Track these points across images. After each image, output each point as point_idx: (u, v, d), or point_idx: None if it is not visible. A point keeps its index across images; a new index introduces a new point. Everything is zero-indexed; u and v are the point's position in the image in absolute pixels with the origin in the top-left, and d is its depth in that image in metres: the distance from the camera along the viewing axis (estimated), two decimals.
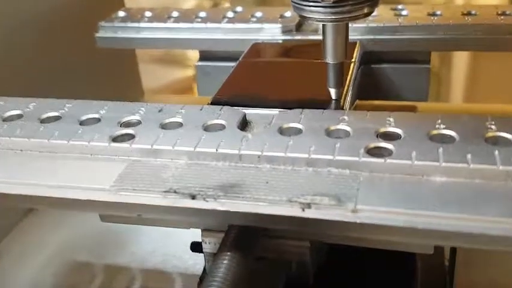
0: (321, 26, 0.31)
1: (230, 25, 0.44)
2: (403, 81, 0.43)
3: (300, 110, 0.30)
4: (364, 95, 0.40)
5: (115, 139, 0.28)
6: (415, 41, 0.41)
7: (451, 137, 0.27)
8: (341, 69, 0.32)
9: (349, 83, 0.34)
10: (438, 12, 0.42)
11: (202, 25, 0.45)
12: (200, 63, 0.46)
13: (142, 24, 0.46)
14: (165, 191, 0.25)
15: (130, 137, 0.28)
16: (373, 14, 0.42)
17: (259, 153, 0.26)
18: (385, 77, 0.43)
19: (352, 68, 0.36)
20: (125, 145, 0.28)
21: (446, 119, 0.28)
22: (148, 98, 0.56)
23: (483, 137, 0.26)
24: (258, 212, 0.24)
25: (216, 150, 0.27)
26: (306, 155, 0.26)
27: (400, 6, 0.44)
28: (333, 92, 0.32)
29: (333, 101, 0.32)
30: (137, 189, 0.25)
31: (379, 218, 0.23)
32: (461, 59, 0.46)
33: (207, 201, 0.24)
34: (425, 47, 0.42)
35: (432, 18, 0.42)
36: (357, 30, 0.41)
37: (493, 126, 0.27)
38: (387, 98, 0.43)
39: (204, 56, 0.46)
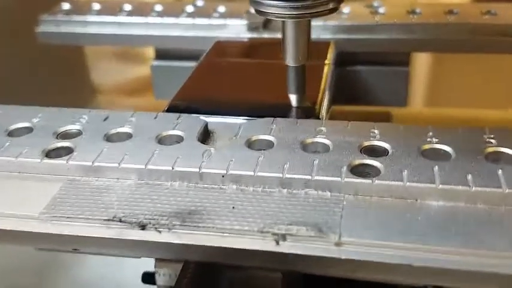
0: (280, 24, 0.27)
1: (190, 20, 0.39)
2: (380, 84, 0.39)
3: (271, 118, 0.26)
4: (338, 99, 0.36)
5: (49, 154, 0.24)
6: (393, 41, 0.38)
7: (445, 152, 0.23)
8: (303, 73, 0.28)
9: (325, 87, 0.30)
10: (418, 10, 0.39)
11: (158, 20, 0.40)
12: (156, 63, 0.41)
13: (89, 18, 0.41)
14: (108, 219, 0.20)
15: (68, 151, 0.24)
16: (347, 11, 0.39)
17: (224, 171, 0.22)
18: (360, 80, 0.39)
19: (327, 71, 0.32)
20: (60, 161, 0.23)
21: (439, 131, 0.24)
22: (99, 99, 0.51)
23: (482, 153, 0.23)
24: (223, 246, 0.19)
25: (172, 167, 0.22)
26: (280, 174, 0.22)
27: (376, 4, 0.40)
28: (293, 98, 0.28)
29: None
30: (73, 216, 0.21)
31: (368, 253, 0.19)
32: (422, 60, 0.42)
33: (159, 232, 0.20)
34: (404, 48, 0.38)
35: (411, 16, 0.38)
36: (329, 29, 0.38)
37: (492, 140, 0.23)
38: (363, 103, 0.39)
39: (161, 55, 0.42)
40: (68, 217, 0.21)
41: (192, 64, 0.40)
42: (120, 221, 0.20)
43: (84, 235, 0.20)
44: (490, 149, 0.23)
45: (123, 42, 0.41)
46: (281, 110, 0.27)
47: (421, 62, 0.38)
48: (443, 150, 0.23)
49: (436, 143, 0.23)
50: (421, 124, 0.37)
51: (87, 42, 0.43)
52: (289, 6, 0.25)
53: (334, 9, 0.26)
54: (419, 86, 0.37)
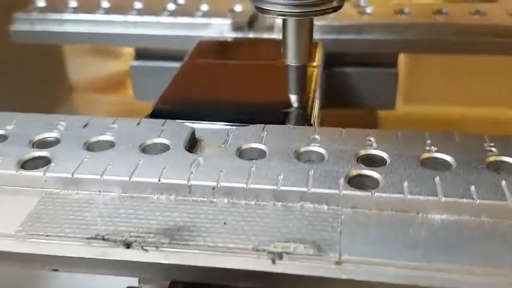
0: (278, 22, 0.26)
1: (171, 19, 0.38)
2: (368, 86, 0.38)
3: (261, 125, 0.24)
4: (325, 101, 0.35)
5: (25, 165, 0.22)
6: (381, 42, 0.37)
7: (445, 161, 0.22)
8: (304, 73, 0.27)
9: (315, 90, 0.29)
10: (406, 10, 0.38)
11: (138, 18, 0.38)
12: (135, 63, 0.40)
13: (65, 16, 0.39)
14: (90, 238, 0.19)
15: (45, 161, 0.22)
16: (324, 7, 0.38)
17: (214, 183, 0.21)
18: (347, 82, 0.38)
19: (317, 73, 0.31)
20: (37, 173, 0.21)
21: (436, 138, 0.23)
22: (77, 97, 0.49)
23: (484, 162, 0.22)
24: (215, 266, 0.18)
25: (159, 179, 0.21)
26: (274, 187, 0.20)
27: (363, 3, 0.39)
28: (294, 99, 0.27)
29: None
30: (52, 235, 0.19)
31: (370, 272, 0.18)
32: (411, 61, 0.41)
33: (146, 250, 0.19)
34: (392, 49, 0.37)
35: (400, 16, 0.38)
36: (315, 29, 0.36)
37: (493, 149, 0.22)
38: (349, 105, 0.38)
39: (141, 55, 0.40)
40: (46, 235, 0.19)
41: (174, 64, 0.39)
42: (103, 239, 0.19)
43: (64, 255, 0.19)
44: (491, 158, 0.22)
45: (101, 41, 0.39)
46: (271, 115, 0.26)
47: (410, 63, 0.38)
48: (443, 159, 0.22)
49: (435, 152, 0.22)
50: (411, 126, 0.37)
51: (64, 41, 0.41)
52: (292, 4, 0.24)
53: (339, 7, 0.25)
54: (408, 87, 0.36)
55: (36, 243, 0.19)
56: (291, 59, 0.26)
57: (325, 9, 0.25)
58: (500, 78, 0.39)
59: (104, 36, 0.39)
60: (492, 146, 0.23)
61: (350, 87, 0.38)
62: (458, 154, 0.22)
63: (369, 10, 0.38)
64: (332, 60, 0.36)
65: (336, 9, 0.25)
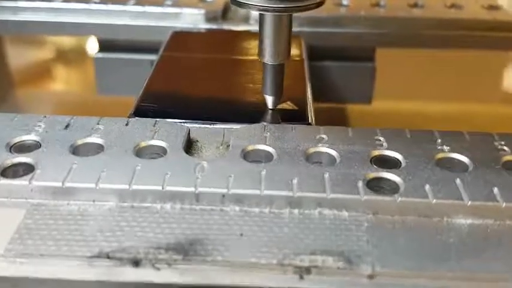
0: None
1: (139, 8, 0.35)
2: (344, 81, 0.37)
3: (262, 124, 0.23)
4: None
5: (4, 172, 0.19)
6: (358, 35, 0.36)
7: (460, 162, 0.21)
8: (282, 72, 0.25)
9: (306, 85, 0.27)
10: (382, 3, 0.37)
11: (102, 7, 0.35)
12: (100, 55, 0.37)
13: (20, 3, 0.36)
14: (91, 256, 0.17)
15: (27, 168, 0.19)
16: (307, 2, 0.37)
17: (224, 190, 0.19)
18: (324, 76, 0.37)
19: (306, 68, 0.29)
20: (21, 182, 0.19)
21: (446, 137, 0.22)
22: (21, 93, 0.45)
23: (499, 162, 0.21)
24: (237, 285, 0.16)
25: (163, 187, 0.19)
26: (290, 193, 0.19)
27: None
28: (269, 100, 0.25)
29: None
30: (47, 254, 0.17)
31: (406, 285, 0.17)
32: (388, 55, 0.41)
33: (157, 269, 0.17)
34: (370, 43, 0.36)
35: (377, 9, 0.37)
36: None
37: (505, 148, 0.22)
38: (326, 100, 0.37)
39: (105, 46, 0.37)
40: (41, 254, 0.17)
41: (141, 57, 0.36)
42: (108, 257, 0.17)
43: (61, 277, 0.16)
44: (506, 158, 0.21)
45: (61, 31, 0.36)
46: (268, 114, 0.24)
47: (387, 57, 0.37)
48: (458, 159, 0.21)
49: (448, 152, 0.21)
50: (389, 120, 0.36)
51: (18, 32, 0.37)
52: None
53: (321, 3, 0.24)
54: (385, 82, 0.35)
55: (29, 264, 0.16)
56: (270, 58, 0.24)
57: (308, 5, 0.23)
58: (476, 72, 0.38)
59: (63, 25, 0.36)
60: (503, 145, 0.22)
61: (326, 82, 0.37)
62: (472, 154, 0.21)
63: (345, 2, 0.37)
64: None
65: (318, 5, 0.24)
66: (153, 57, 0.34)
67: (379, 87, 0.36)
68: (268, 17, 0.23)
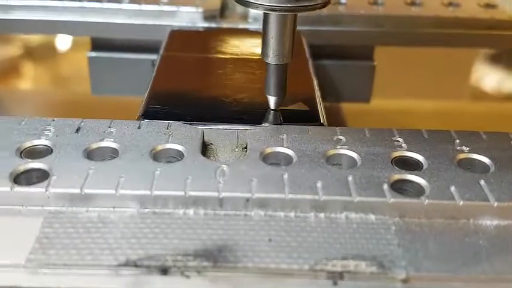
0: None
1: (135, 6, 0.34)
2: (343, 79, 0.36)
3: (277, 126, 0.22)
4: None
5: (18, 179, 0.18)
6: (357, 34, 0.36)
7: (480, 162, 0.21)
8: (285, 72, 0.24)
9: (315, 85, 0.27)
10: (380, 1, 0.37)
11: (97, 5, 0.35)
12: (94, 54, 0.36)
13: (12, 1, 0.35)
14: (118, 265, 0.16)
15: (42, 174, 0.19)
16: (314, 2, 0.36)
17: (248, 194, 0.18)
18: (323, 75, 0.36)
19: (311, 67, 0.29)
20: (38, 189, 0.18)
21: (464, 137, 0.22)
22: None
23: None
24: None
25: (185, 192, 0.18)
26: (315, 196, 0.18)
27: None
28: (272, 100, 0.24)
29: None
30: (72, 264, 0.16)
31: None
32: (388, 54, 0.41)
33: (187, 276, 0.16)
34: (368, 41, 0.36)
35: (375, 7, 0.36)
36: None
37: None
38: (325, 99, 0.37)
39: (98, 45, 0.36)
40: (65, 264, 0.16)
41: (137, 56, 0.36)
42: (136, 265, 0.16)
43: (90, 287, 0.16)
44: None
45: (54, 30, 0.35)
46: (280, 115, 0.24)
47: (385, 56, 0.37)
48: (479, 160, 0.21)
49: (468, 152, 0.21)
50: (387, 119, 0.36)
51: (9, 31, 0.36)
52: None
53: (327, 3, 0.23)
54: (384, 80, 0.35)
55: (53, 274, 0.16)
56: (274, 58, 0.23)
57: (314, 5, 0.23)
58: (474, 70, 0.39)
59: (57, 24, 0.35)
60: None
61: (324, 81, 0.36)
62: (491, 154, 0.21)
63: (343, 0, 0.37)
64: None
65: (324, 5, 0.23)
66: (150, 56, 0.34)
67: (378, 86, 0.36)
68: (273, 16, 0.23)
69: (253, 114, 0.24)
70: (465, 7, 0.37)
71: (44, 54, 0.44)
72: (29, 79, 0.42)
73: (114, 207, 0.18)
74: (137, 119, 0.23)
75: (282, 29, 0.23)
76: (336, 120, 0.34)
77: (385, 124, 0.33)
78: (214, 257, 0.16)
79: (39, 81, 0.42)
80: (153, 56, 0.33)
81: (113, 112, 0.32)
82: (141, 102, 0.24)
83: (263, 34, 0.23)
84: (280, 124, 0.23)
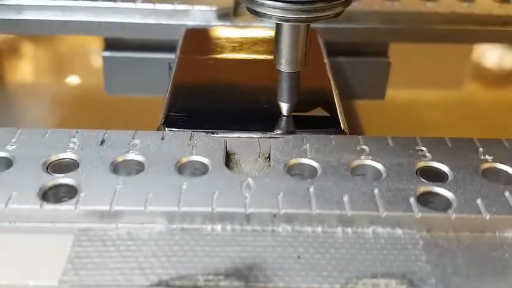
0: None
1: (149, 5, 0.34)
2: (358, 76, 0.36)
3: (299, 136, 0.22)
4: None
5: (45, 196, 0.18)
6: (372, 30, 0.35)
7: (506, 172, 0.21)
8: (298, 79, 0.24)
9: (334, 89, 0.27)
10: None
11: (111, 4, 0.34)
12: (108, 54, 0.36)
13: (24, 1, 0.34)
14: (150, 286, 0.16)
15: (70, 190, 0.19)
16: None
17: (276, 210, 0.18)
18: (338, 72, 0.36)
19: (329, 69, 0.29)
20: (67, 207, 0.18)
21: (487, 146, 0.22)
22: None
23: None
24: None
25: (212, 208, 0.18)
26: (342, 211, 0.18)
27: None
28: (284, 107, 0.24)
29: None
30: (104, 284, 0.16)
31: None
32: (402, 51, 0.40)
33: None
34: (383, 38, 0.36)
35: (390, 3, 0.36)
36: None
37: None
38: (340, 96, 0.37)
39: (112, 44, 0.36)
40: (98, 285, 0.16)
41: (151, 56, 0.35)
42: (168, 286, 0.16)
43: None
44: None
45: (67, 30, 0.35)
46: (300, 122, 0.24)
47: (400, 52, 0.36)
48: (504, 170, 0.21)
49: (492, 161, 0.21)
50: (402, 117, 0.36)
51: (21, 31, 0.36)
52: (296, 9, 0.21)
53: (341, 13, 0.23)
54: (400, 77, 0.35)
55: None
56: (287, 66, 0.23)
57: (328, 15, 0.22)
58: (489, 66, 0.38)
59: (70, 24, 0.34)
60: None
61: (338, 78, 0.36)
62: None
63: None
64: None
65: (338, 14, 0.23)
66: (164, 56, 0.34)
67: (392, 82, 0.36)
68: (286, 25, 0.23)
69: (275, 122, 0.24)
70: (480, 3, 0.37)
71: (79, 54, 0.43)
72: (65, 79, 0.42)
73: (142, 224, 0.18)
74: (158, 128, 0.23)
75: (295, 38, 0.23)
76: (351, 117, 0.34)
77: (401, 121, 0.32)
78: (245, 276, 0.17)
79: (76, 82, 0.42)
80: (167, 56, 0.33)
81: (129, 113, 0.32)
82: (156, 101, 0.24)
83: (275, 42, 0.23)
84: (302, 130, 0.23)
